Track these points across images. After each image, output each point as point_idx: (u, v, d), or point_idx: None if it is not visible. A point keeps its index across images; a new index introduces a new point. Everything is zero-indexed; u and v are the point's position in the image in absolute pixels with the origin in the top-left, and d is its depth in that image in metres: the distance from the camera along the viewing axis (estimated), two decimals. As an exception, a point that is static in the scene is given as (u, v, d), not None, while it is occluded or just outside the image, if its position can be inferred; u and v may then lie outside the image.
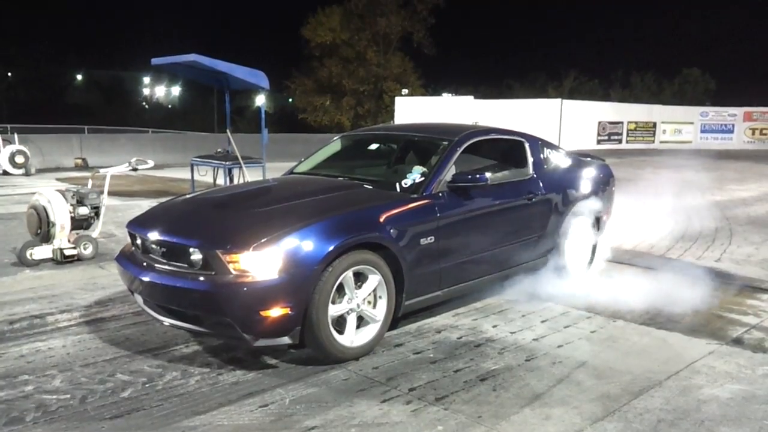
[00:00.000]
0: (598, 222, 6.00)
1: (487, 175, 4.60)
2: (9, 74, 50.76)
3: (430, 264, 4.34)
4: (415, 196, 4.40)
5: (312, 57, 42.80)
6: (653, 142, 31.85)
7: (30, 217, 6.35)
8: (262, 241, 3.62)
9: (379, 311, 4.06)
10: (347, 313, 3.92)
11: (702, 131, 32.16)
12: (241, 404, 3.36)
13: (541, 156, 5.56)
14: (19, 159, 14.55)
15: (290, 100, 47.57)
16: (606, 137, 30.51)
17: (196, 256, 3.73)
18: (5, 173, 14.30)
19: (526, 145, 5.48)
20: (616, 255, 6.74)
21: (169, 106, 52.93)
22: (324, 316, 3.71)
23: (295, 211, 4.04)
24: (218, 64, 9.74)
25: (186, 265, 3.79)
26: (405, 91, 39.43)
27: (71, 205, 6.40)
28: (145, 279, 3.88)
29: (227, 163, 9.94)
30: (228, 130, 10.78)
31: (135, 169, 6.93)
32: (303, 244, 3.67)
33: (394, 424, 3.17)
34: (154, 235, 4.00)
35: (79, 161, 16.88)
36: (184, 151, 18.35)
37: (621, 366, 3.91)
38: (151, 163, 7.13)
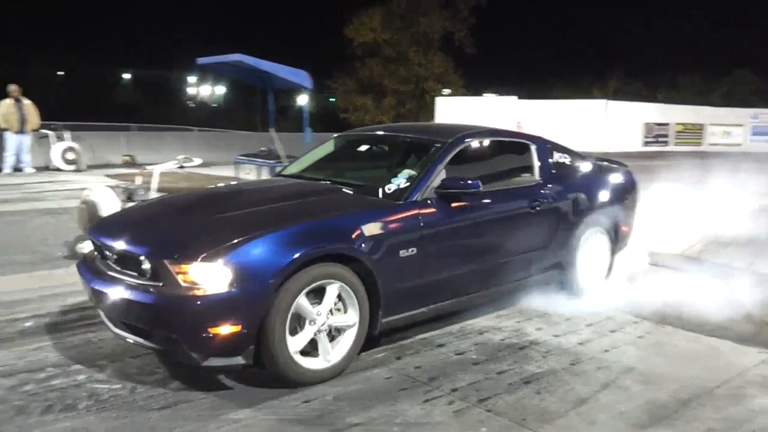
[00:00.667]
0: (616, 233, 5.57)
1: (480, 180, 4.20)
2: (61, 73, 52.38)
3: (412, 278, 3.98)
4: (398, 202, 4.05)
5: (354, 57, 42.99)
6: (701, 144, 31.07)
7: (81, 212, 6.53)
8: (213, 250, 3.32)
9: (350, 330, 3.73)
10: (310, 323, 3.57)
11: (753, 134, 31.23)
12: (285, 399, 3.40)
13: (550, 160, 5.16)
14: (71, 155, 14.96)
15: (331, 99, 47.88)
16: (652, 139, 29.88)
17: (146, 265, 3.45)
18: (57, 169, 14.73)
19: (533, 148, 5.10)
20: (665, 260, 6.60)
21: (214, 105, 53.83)
22: (281, 335, 3.40)
23: (258, 218, 3.77)
24: (262, 64, 9.85)
25: (137, 275, 3.52)
26: (446, 91, 39.28)
27: (121, 200, 6.56)
28: (98, 288, 3.64)
29: (271, 161, 10.05)
30: (272, 129, 10.91)
31: (182, 167, 7.06)
32: (258, 254, 3.37)
33: (437, 424, 3.17)
34: (108, 241, 3.76)
35: (127, 158, 17.25)
36: (228, 149, 18.61)
37: (669, 372, 3.83)
38: (197, 161, 7.25)
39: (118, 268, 3.66)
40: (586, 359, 4.03)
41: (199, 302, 3.25)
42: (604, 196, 5.43)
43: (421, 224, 4.01)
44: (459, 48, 42.84)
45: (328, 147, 5.54)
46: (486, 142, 4.95)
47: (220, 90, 53.20)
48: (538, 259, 4.91)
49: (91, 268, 3.87)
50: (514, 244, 4.70)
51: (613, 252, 5.59)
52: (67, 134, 15.35)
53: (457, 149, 4.55)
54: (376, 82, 42.47)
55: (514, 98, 29.39)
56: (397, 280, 3.89)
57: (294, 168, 5.29)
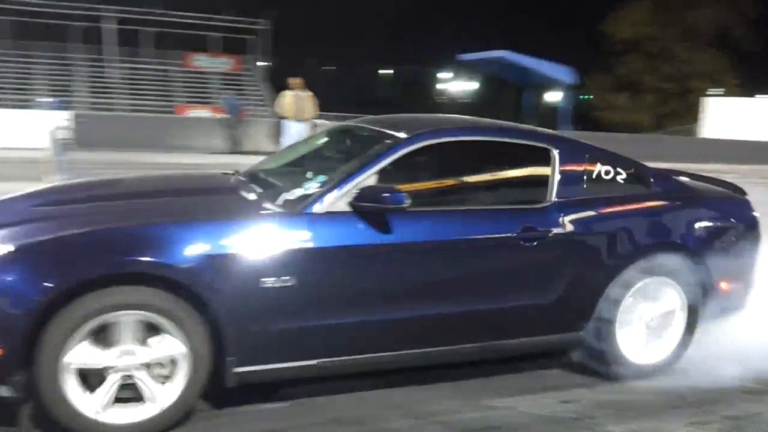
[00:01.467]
0: (705, 290, 3.81)
1: (406, 195, 3.03)
2: (331, 68, 58.01)
3: (287, 318, 2.97)
4: (286, 213, 3.07)
5: (611, 53, 41.02)
6: None
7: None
8: None
9: (180, 364, 2.86)
10: (109, 371, 2.76)
11: None
12: (543, 395, 3.43)
13: (585, 175, 3.67)
14: (338, 144, 16.52)
15: (584, 96, 46.20)
16: None
17: None
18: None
19: (554, 155, 3.61)
20: None
21: (468, 101, 55.23)
22: (54, 370, 2.66)
23: (74, 217, 3.12)
24: (526, 61, 9.87)
25: None
26: (717, 90, 35.65)
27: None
28: None
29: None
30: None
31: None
32: (27, 264, 2.70)
33: (708, 450, 2.96)
34: None
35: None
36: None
37: None
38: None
39: None
40: None
41: None
42: (681, 233, 3.77)
43: (308, 246, 2.97)
44: (736, 44, 38.63)
45: (318, 139, 4.54)
46: (474, 144, 3.62)
47: (472, 86, 54.32)
48: (539, 314, 3.50)
49: None
50: (486, 288, 3.39)
51: (695, 316, 3.82)
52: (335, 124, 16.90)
53: (409, 150, 3.32)
54: (635, 79, 40.11)
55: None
56: (259, 318, 2.92)
57: (268, 163, 4.37)
